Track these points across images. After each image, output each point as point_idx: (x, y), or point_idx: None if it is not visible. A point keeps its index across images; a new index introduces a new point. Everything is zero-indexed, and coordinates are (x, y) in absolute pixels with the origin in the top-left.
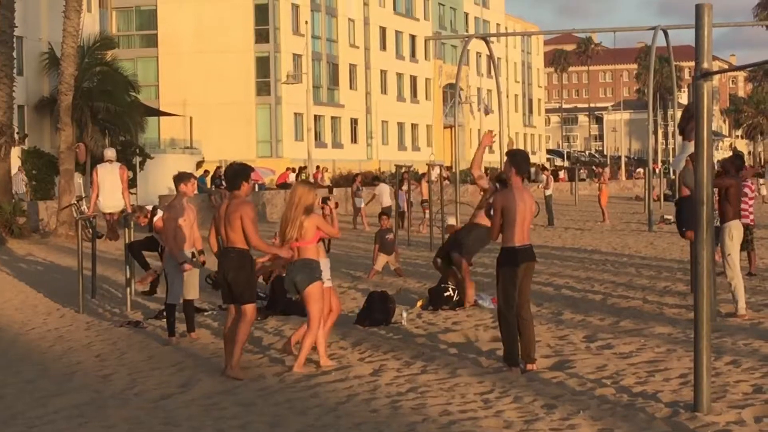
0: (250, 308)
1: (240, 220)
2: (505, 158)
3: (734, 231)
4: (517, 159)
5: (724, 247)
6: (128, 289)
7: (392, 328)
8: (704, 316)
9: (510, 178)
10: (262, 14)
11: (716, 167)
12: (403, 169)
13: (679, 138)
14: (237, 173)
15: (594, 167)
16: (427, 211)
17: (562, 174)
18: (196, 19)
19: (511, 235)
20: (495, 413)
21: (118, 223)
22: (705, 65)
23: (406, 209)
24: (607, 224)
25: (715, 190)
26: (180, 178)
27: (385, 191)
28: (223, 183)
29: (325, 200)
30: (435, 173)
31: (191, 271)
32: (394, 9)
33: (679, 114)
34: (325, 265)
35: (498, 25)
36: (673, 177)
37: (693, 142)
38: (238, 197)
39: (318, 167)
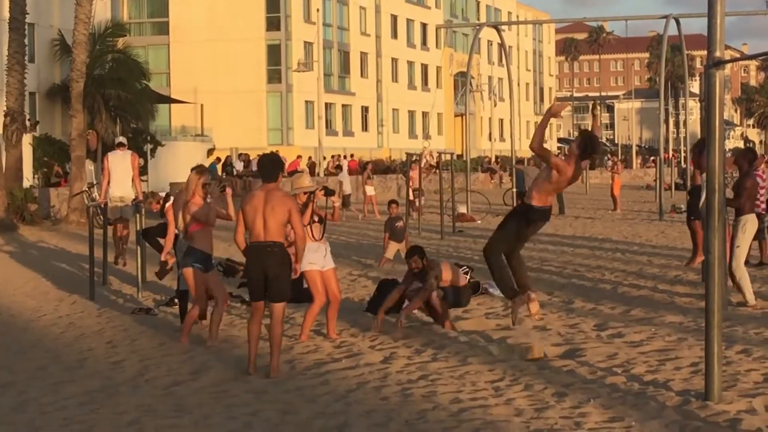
0: (282, 306)
1: (288, 215)
2: (576, 139)
3: (748, 225)
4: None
5: (736, 239)
6: (139, 276)
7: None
8: (715, 305)
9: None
10: (273, 2)
11: (727, 154)
12: (414, 157)
13: (691, 128)
14: (276, 164)
15: (609, 156)
16: (417, 200)
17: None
18: (208, 7)
19: (537, 195)
20: (505, 401)
21: (127, 228)
22: (717, 54)
23: (411, 198)
24: (618, 213)
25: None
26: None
27: (346, 179)
28: (235, 171)
29: (222, 187)
30: (424, 161)
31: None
32: None
33: (691, 103)
34: (310, 248)
35: (509, 13)
36: (684, 166)
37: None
38: (274, 189)
39: (351, 155)
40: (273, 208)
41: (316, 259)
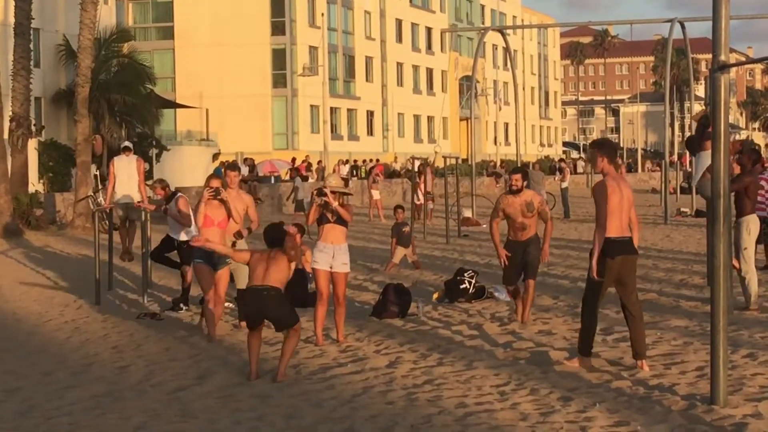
0: (298, 326)
1: (290, 269)
2: (589, 149)
3: (752, 225)
4: (605, 148)
5: (741, 241)
6: (145, 281)
7: (408, 321)
8: (721, 308)
9: (602, 168)
10: (278, 6)
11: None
12: (419, 162)
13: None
14: (281, 235)
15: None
16: (429, 203)
17: None
18: (213, 11)
19: (608, 226)
20: (511, 405)
21: (133, 226)
22: (722, 57)
23: (423, 201)
24: None
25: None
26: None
27: (301, 185)
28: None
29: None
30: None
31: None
32: (411, 1)
33: (696, 107)
34: (317, 248)
35: (514, 17)
36: (689, 170)
37: (708, 152)
38: (279, 252)
39: (378, 160)
40: (278, 265)
41: (320, 259)
